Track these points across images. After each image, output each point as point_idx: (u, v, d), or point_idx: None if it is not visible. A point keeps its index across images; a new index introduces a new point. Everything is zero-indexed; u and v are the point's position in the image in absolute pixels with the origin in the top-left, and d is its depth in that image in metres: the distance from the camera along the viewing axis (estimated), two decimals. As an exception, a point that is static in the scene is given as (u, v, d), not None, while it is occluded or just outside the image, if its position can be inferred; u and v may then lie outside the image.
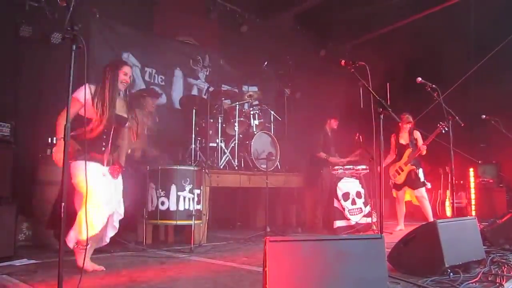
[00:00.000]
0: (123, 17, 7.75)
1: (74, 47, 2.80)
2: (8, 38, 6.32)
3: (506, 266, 4.21)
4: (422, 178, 7.49)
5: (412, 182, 7.46)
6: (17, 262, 4.67)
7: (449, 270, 3.79)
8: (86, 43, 2.91)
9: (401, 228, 7.56)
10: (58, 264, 2.69)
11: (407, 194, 7.76)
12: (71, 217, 4.08)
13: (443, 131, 6.35)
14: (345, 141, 8.18)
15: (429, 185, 7.67)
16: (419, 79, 5.57)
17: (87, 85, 4.04)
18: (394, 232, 7.24)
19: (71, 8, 2.85)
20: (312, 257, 2.68)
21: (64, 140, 2.80)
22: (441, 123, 6.38)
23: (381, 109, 3.94)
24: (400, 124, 7.45)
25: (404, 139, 7.56)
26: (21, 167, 5.71)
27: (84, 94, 3.98)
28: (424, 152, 7.31)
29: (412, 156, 7.37)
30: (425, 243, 4.00)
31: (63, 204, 2.71)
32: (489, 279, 3.78)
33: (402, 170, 7.50)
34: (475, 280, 3.70)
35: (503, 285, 3.56)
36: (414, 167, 7.40)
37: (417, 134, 7.58)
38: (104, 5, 7.30)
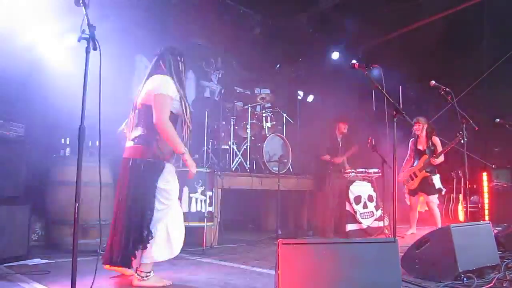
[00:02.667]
0: (137, 20, 7.78)
1: (89, 48, 2.82)
2: (23, 38, 6.37)
3: (520, 272, 4.16)
4: (437, 185, 7.38)
5: (427, 188, 7.35)
6: (30, 262, 4.72)
7: (462, 275, 3.76)
8: (100, 45, 2.92)
9: (413, 232, 7.48)
10: (72, 264, 2.70)
11: (420, 202, 7.68)
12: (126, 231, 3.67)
13: (462, 141, 6.20)
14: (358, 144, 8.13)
15: (443, 191, 7.56)
16: (433, 82, 5.53)
17: (169, 77, 3.79)
18: (406, 236, 7.19)
19: (86, 10, 2.86)
20: (325, 261, 2.67)
21: (78, 141, 2.79)
22: (460, 132, 6.20)
23: (394, 112, 3.92)
24: (413, 127, 7.42)
25: (422, 145, 7.47)
26: (35, 167, 5.75)
27: (172, 88, 3.75)
28: (436, 163, 7.22)
29: (427, 163, 7.27)
30: (439, 247, 3.97)
31: (76, 205, 2.71)
32: (504, 285, 3.74)
33: (416, 176, 7.39)
34: (489, 285, 3.67)
35: (518, 291, 3.53)
36: (429, 173, 7.31)
37: (435, 140, 7.42)
38: (118, 7, 7.33)
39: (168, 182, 3.80)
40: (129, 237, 3.63)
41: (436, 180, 7.39)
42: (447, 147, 6.95)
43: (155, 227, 3.71)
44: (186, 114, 3.89)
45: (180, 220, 3.94)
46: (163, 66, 3.92)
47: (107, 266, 3.80)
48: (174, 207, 3.88)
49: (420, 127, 7.44)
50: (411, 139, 7.62)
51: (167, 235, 3.78)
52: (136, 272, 3.75)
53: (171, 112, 3.78)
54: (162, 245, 3.75)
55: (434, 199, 7.39)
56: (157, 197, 3.71)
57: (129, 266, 3.70)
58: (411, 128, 7.45)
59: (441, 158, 7.21)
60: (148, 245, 3.68)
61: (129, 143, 3.80)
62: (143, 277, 3.72)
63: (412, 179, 7.44)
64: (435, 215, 7.35)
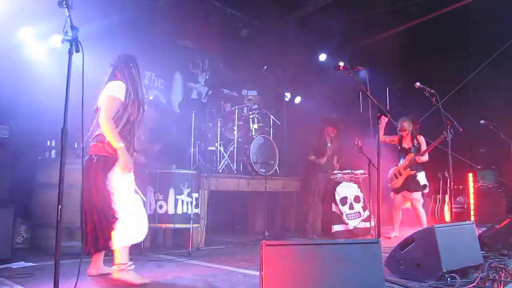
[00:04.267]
0: (123, 21, 7.75)
1: (72, 50, 2.80)
2: (8, 40, 6.33)
3: (503, 271, 4.21)
4: (422, 182, 7.38)
5: (409, 185, 7.33)
6: (14, 265, 4.67)
7: (446, 275, 3.79)
8: (85, 47, 2.91)
9: (396, 235, 7.46)
10: (55, 267, 2.69)
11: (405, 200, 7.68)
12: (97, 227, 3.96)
13: (447, 139, 6.28)
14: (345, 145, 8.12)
15: (426, 190, 7.55)
16: (418, 84, 5.58)
17: (122, 83, 4.11)
18: (392, 237, 7.21)
19: (70, 11, 2.85)
20: (308, 261, 2.68)
21: (61, 143, 2.79)
22: (445, 131, 6.25)
23: (379, 114, 3.95)
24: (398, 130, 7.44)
25: (407, 143, 7.47)
26: (20, 169, 5.71)
27: (124, 92, 4.07)
28: (420, 161, 7.25)
29: (413, 161, 7.29)
30: (423, 247, 4.00)
31: (59, 207, 2.70)
32: (487, 284, 3.78)
33: (401, 175, 7.40)
34: (472, 285, 3.69)
35: (500, 290, 3.57)
36: (413, 172, 7.32)
37: (420, 139, 7.41)
38: (104, 8, 7.30)
39: (120, 174, 4.02)
40: (100, 223, 3.93)
41: (421, 177, 7.39)
42: (433, 145, 6.96)
43: (120, 214, 3.96)
44: (137, 116, 4.20)
45: (141, 209, 4.19)
46: (118, 75, 4.23)
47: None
48: (131, 198, 4.12)
49: (406, 133, 7.43)
50: (397, 136, 7.60)
51: (130, 220, 4.00)
52: (114, 265, 3.93)
53: (122, 115, 4.07)
54: (126, 230, 3.97)
55: (418, 196, 7.35)
56: (113, 187, 3.99)
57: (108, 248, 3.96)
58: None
59: (425, 157, 7.23)
60: (116, 227, 3.91)
61: (91, 143, 4.10)
62: (123, 269, 3.90)
63: (397, 178, 7.44)
64: (420, 214, 7.30)
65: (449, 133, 5.74)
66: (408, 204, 7.61)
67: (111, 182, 3.97)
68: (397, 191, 7.51)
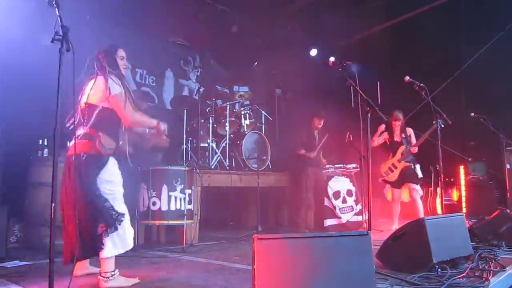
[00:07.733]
0: (114, 18, 7.74)
1: (62, 49, 2.81)
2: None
3: (493, 261, 4.26)
4: (420, 175, 7.45)
5: (412, 177, 7.37)
6: (8, 264, 4.68)
7: (437, 266, 3.83)
8: (76, 45, 2.92)
9: (396, 227, 7.52)
10: (49, 265, 2.71)
11: (404, 193, 7.69)
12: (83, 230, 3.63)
13: (440, 127, 6.25)
14: (335, 140, 8.15)
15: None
16: (407, 78, 5.62)
17: (109, 77, 3.83)
18: (385, 230, 7.26)
19: (60, 10, 2.86)
20: (299, 254, 2.72)
21: (53, 143, 2.80)
22: (437, 119, 6.24)
23: (368, 108, 3.99)
24: (391, 122, 7.49)
25: (397, 136, 7.53)
26: (12, 169, 5.70)
27: (116, 85, 3.84)
28: (415, 151, 7.31)
29: (407, 153, 7.35)
30: (414, 239, 4.04)
31: (53, 205, 2.72)
32: (476, 274, 3.83)
33: (396, 168, 7.45)
34: (462, 275, 3.74)
35: (489, 280, 3.61)
36: (409, 163, 7.37)
37: (409, 131, 7.53)
38: (94, 6, 7.29)
39: (113, 174, 3.83)
40: (94, 227, 3.65)
41: (418, 169, 7.46)
42: (424, 136, 7.04)
43: (116, 219, 3.75)
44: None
45: (126, 213, 3.94)
46: (97, 67, 3.92)
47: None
48: (120, 199, 3.89)
49: (401, 124, 7.50)
50: (386, 132, 7.65)
51: (127, 227, 3.88)
52: (100, 275, 3.71)
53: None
54: (114, 238, 3.75)
55: (419, 189, 7.39)
56: (103, 187, 3.72)
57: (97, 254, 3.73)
58: (391, 122, 7.52)
59: (415, 150, 7.31)
60: (111, 234, 3.70)
61: (72, 142, 3.76)
62: (108, 277, 3.69)
63: (392, 171, 7.49)
64: (418, 206, 7.31)
65: (438, 123, 5.79)
66: (403, 197, 7.65)
67: (105, 184, 3.74)
68: (395, 184, 7.56)
